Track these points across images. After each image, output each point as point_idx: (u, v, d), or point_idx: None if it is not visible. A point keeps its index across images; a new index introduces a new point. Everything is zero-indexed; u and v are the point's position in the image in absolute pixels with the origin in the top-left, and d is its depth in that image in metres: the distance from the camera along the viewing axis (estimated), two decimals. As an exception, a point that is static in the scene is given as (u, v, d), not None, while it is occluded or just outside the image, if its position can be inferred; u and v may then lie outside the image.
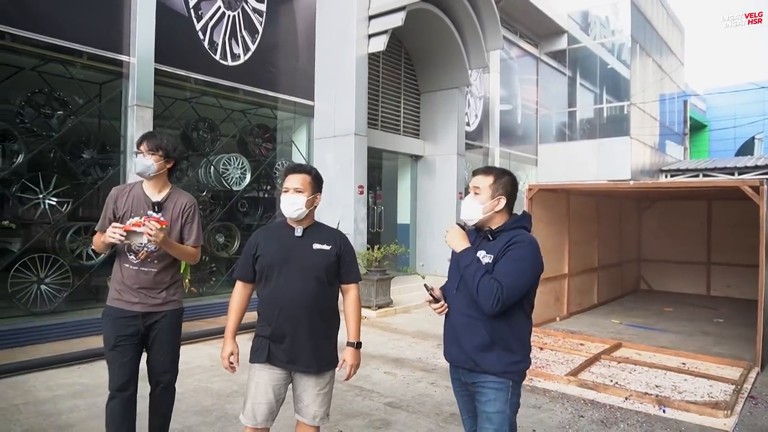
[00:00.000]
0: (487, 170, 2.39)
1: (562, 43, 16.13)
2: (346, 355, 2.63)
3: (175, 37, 7.19)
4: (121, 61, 6.65)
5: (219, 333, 6.50)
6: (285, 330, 2.52)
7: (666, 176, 17.59)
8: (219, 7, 7.74)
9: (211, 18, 7.62)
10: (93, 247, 2.98)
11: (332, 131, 8.92)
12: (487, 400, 2.28)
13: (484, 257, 2.26)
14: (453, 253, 2.43)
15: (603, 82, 17.17)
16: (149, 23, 6.73)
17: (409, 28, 9.32)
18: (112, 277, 2.89)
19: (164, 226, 2.69)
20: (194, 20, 7.44)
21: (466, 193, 2.62)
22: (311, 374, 2.57)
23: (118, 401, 2.82)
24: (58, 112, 6.33)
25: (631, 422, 4.15)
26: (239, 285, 2.70)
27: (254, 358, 2.58)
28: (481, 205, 2.33)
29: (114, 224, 2.65)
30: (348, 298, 2.72)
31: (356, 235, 8.64)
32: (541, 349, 6.21)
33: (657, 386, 4.98)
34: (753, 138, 26.29)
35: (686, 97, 22.24)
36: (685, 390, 4.91)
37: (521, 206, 7.04)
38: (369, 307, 8.00)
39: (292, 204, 2.53)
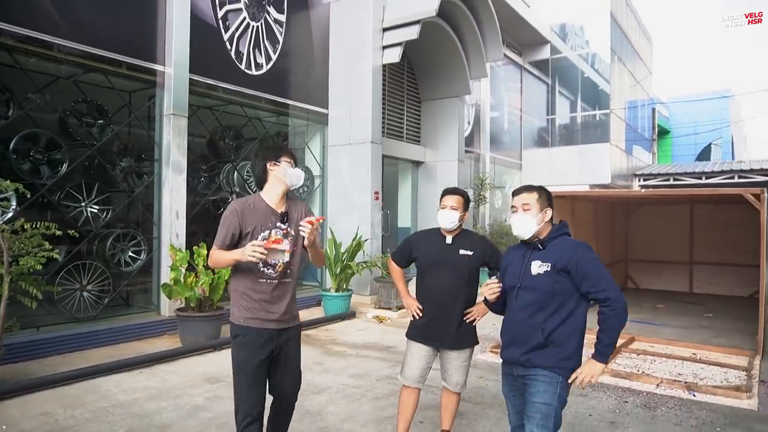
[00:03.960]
0: (530, 188, 2.68)
1: (545, 53, 16.89)
2: (477, 306, 3.33)
3: (206, 48, 7.36)
4: (155, 70, 6.79)
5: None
6: (436, 316, 3.28)
7: (639, 180, 18.61)
8: (244, 18, 7.95)
9: (237, 29, 7.82)
10: (212, 262, 2.74)
11: (348, 139, 9.22)
12: (536, 391, 2.49)
13: (540, 266, 2.53)
14: (508, 255, 2.74)
15: (580, 91, 18.05)
16: (184, 34, 6.89)
17: (414, 39, 9.69)
18: (238, 294, 2.74)
19: (321, 221, 2.78)
20: (222, 31, 7.63)
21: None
22: (455, 350, 3.33)
23: (255, 426, 2.69)
24: (99, 121, 6.43)
25: (670, 405, 4.64)
26: (396, 265, 3.55)
27: (411, 335, 3.40)
28: (534, 219, 2.59)
29: (253, 243, 2.53)
30: None
31: (373, 240, 8.97)
32: (564, 344, 6.71)
33: (680, 374, 5.52)
34: (710, 144, 27.98)
35: (654, 104, 23.52)
36: (705, 377, 5.47)
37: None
38: (390, 309, 8.33)
39: (448, 217, 3.25)
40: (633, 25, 19.74)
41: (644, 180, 18.59)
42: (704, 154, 27.91)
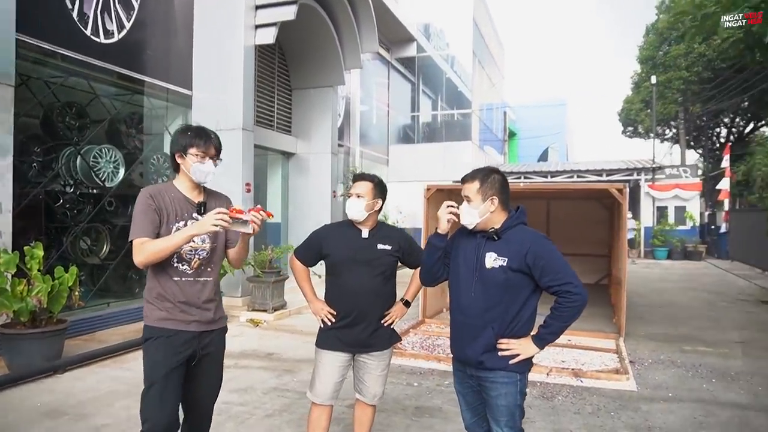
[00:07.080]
0: (472, 175, 2.42)
1: (411, 51, 17.16)
2: (395, 307, 3.01)
3: (39, 4, 6.01)
4: (-33, 25, 5.36)
5: (112, 351, 5.64)
6: (354, 318, 2.87)
7: (495, 177, 19.84)
8: (90, -26, 6.68)
9: (80, -14, 6.54)
10: (149, 255, 2.27)
11: (215, 124, 8.22)
12: (497, 394, 2.36)
13: (496, 260, 2.34)
14: (459, 239, 2.52)
15: (444, 90, 18.73)
16: (8, -18, 5.53)
17: (287, 23, 9.06)
18: (153, 294, 2.45)
19: (270, 217, 2.42)
20: (61, -14, 6.31)
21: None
22: (375, 356, 2.94)
23: None
24: None
25: (564, 394, 4.72)
26: (300, 263, 3.04)
27: (324, 344, 2.92)
28: (475, 211, 2.37)
29: (219, 210, 2.24)
30: (414, 272, 3.06)
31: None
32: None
33: (563, 361, 5.72)
34: (548, 147, 31.16)
35: (505, 108, 25.38)
36: (585, 362, 5.72)
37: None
38: (265, 310, 7.66)
39: (353, 206, 2.86)
40: (489, 30, 21.02)
41: (499, 177, 19.88)
42: (543, 156, 31.00)
